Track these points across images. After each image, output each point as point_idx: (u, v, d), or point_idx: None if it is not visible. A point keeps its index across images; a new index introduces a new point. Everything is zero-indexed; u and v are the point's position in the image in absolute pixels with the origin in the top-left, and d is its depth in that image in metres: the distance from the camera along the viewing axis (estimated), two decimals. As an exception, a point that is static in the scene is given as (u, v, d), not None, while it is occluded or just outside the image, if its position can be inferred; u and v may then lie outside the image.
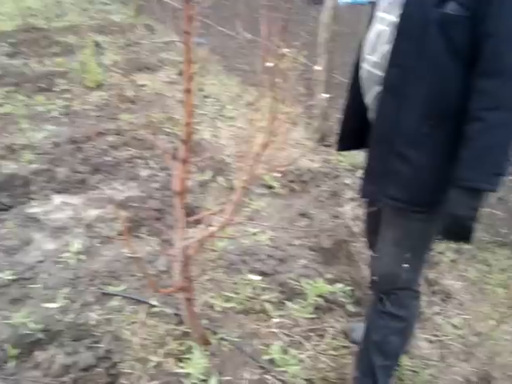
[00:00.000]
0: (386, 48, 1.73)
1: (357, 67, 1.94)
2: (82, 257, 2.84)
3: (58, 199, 3.36)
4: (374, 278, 2.00)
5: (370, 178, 1.88)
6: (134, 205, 3.32)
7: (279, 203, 3.59)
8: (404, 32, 1.67)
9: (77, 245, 2.89)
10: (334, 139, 4.51)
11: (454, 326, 2.68)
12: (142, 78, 5.85)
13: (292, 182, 3.90)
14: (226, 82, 6.00)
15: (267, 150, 2.00)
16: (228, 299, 2.60)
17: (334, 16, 4.03)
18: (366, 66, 1.84)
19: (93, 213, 3.22)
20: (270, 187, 3.79)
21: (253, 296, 2.63)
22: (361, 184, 1.97)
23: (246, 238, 3.13)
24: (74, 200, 3.36)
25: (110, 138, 4.28)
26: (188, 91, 1.84)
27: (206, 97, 5.45)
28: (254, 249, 3.00)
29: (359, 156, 4.25)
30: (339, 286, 2.74)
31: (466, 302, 2.88)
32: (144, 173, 3.78)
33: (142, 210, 3.29)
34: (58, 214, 3.20)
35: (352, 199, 3.65)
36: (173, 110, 4.96)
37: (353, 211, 3.51)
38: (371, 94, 1.84)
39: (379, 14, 1.82)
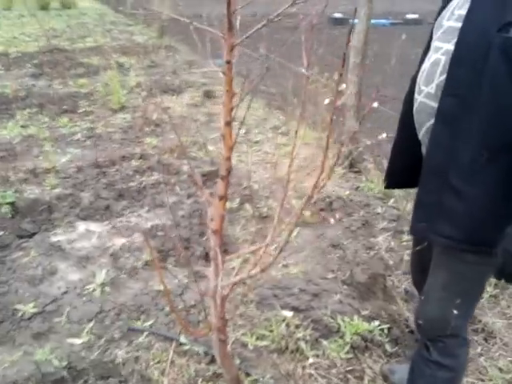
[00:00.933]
0: (442, 78, 1.62)
1: (409, 100, 1.83)
2: (108, 289, 2.73)
3: (82, 226, 3.27)
4: (420, 322, 1.86)
5: (422, 213, 1.75)
6: (161, 233, 3.21)
7: (310, 233, 3.46)
8: (460, 59, 1.56)
9: (102, 276, 2.79)
10: (363, 165, 4.39)
11: (501, 370, 2.51)
12: (166, 100, 5.80)
13: (322, 210, 3.77)
14: (250, 104, 5.92)
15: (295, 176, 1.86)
16: (261, 337, 2.46)
17: (365, 40, 3.94)
18: (420, 98, 1.73)
19: (118, 241, 3.12)
20: (301, 215, 3.65)
21: (287, 334, 2.49)
22: (411, 220, 1.84)
23: (277, 270, 3.00)
24: (99, 227, 3.27)
25: (135, 163, 4.20)
26: (228, 124, 1.73)
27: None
28: (285, 282, 2.86)
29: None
30: (376, 323, 2.60)
31: (511, 342, 2.71)
32: (170, 199, 3.68)
33: (168, 239, 3.18)
34: (82, 243, 3.10)
35: (385, 229, 3.50)
36: (198, 133, 4.88)
37: (386, 242, 3.37)
38: (424, 128, 1.73)
39: (435, 43, 1.72)
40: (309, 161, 4.54)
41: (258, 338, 2.45)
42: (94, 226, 3.28)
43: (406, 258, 3.25)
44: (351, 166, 4.33)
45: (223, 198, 1.86)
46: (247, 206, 3.68)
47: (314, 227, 3.57)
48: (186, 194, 3.78)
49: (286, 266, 3.04)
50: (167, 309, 2.59)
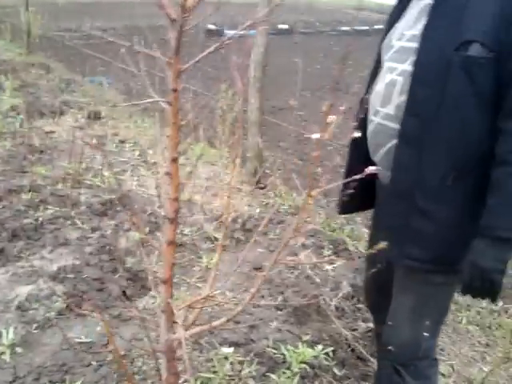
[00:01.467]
0: (402, 98, 1.58)
1: (360, 122, 1.77)
2: (19, 349, 2.37)
3: (-25, 277, 2.85)
4: (390, 347, 1.81)
5: (384, 236, 1.70)
6: (70, 276, 2.89)
7: (228, 257, 3.31)
8: (421, 79, 1.53)
9: (10, 335, 2.42)
10: (269, 180, 4.34)
11: (442, 375, 2.55)
12: (47, 124, 5.35)
13: (235, 231, 3.65)
14: (140, 123, 5.65)
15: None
16: (206, 381, 2.27)
17: (265, 53, 3.89)
18: (377, 120, 1.68)
19: (22, 290, 2.75)
20: (214, 239, 3.51)
21: (232, 373, 2.33)
22: (370, 242, 1.79)
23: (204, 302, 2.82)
24: (-4, 276, 2.87)
25: (25, 196, 3.77)
26: (174, 160, 1.54)
27: (122, 142, 5.08)
28: (217, 315, 2.69)
29: (299, 198, 4.12)
30: (319, 347, 2.52)
31: (446, 345, 2.78)
32: (73, 235, 3.34)
33: (79, 281, 2.87)
34: (-22, 297, 2.69)
35: (304, 246, 3.46)
36: (88, 158, 4.53)
37: (309, 259, 3.32)
38: (383, 150, 1.68)
39: (387, 64, 1.68)
40: (212, 181, 4.41)
41: (203, 383, 2.26)
42: (-11, 276, 2.87)
43: (331, 273, 3.24)
44: (257, 182, 4.26)
45: (172, 243, 1.66)
46: (157, 234, 3.45)
47: (231, 250, 3.43)
48: (89, 227, 3.46)
49: (212, 296, 2.86)
50: (94, 363, 2.31)
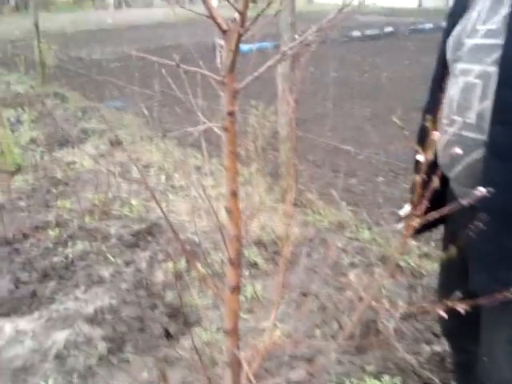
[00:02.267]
0: (484, 105, 1.36)
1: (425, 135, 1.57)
2: (63, 404, 2.18)
3: (7, 326, 2.66)
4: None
5: (482, 264, 1.47)
6: (108, 317, 2.70)
7: (272, 283, 3.09)
8: (509, 80, 1.31)
9: (51, 388, 2.23)
10: (304, 197, 4.12)
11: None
12: (67, 154, 5.21)
13: (276, 253, 3.44)
14: (162, 146, 5.48)
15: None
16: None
17: (292, 65, 3.70)
18: (451, 130, 1.46)
19: (59, 337, 2.56)
20: (254, 264, 3.30)
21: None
22: (445, 267, 1.57)
23: (253, 333, 2.60)
24: (30, 323, 2.68)
25: (52, 232, 3.61)
26: (234, 194, 1.34)
27: (146, 167, 4.91)
28: (271, 350, 2.47)
29: (340, 212, 3.90)
30: (386, 378, 2.29)
31: None
32: (106, 271, 3.15)
33: (118, 321, 2.67)
34: (14, 349, 2.50)
35: (352, 265, 3.24)
36: (113, 187, 4.36)
37: (358, 279, 3.10)
38: (461, 165, 1.46)
39: (459, 65, 1.46)
40: (245, 201, 4.19)
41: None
42: (23, 323, 2.68)
43: (385, 292, 3.00)
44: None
45: (236, 289, 1.44)
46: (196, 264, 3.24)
47: (272, 275, 3.22)
48: (122, 261, 3.27)
49: (263, 330, 2.65)
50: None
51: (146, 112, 5.84)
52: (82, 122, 6.25)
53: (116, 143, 5.35)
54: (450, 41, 1.54)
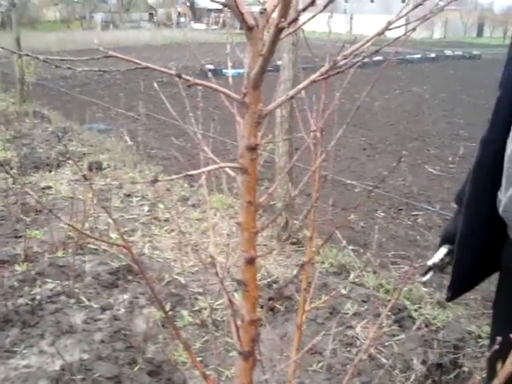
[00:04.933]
0: None
1: (485, 170, 1.25)
2: None
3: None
4: None
5: None
6: (78, 377, 2.28)
7: (270, 335, 2.71)
8: None
9: None
10: (302, 235, 3.75)
11: None
12: (43, 178, 4.79)
13: (272, 299, 3.06)
14: (146, 172, 5.10)
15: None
16: None
17: (293, 87, 3.36)
18: None
19: (16, 402, 2.14)
20: (247, 311, 2.91)
21: None
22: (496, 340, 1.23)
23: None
24: (-17, 382, 2.25)
25: (19, 268, 3.19)
26: (251, 262, 0.95)
27: (128, 196, 4.51)
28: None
29: (341, 252, 3.54)
30: None
31: None
32: (78, 318, 2.73)
33: (90, 382, 2.26)
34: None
35: (358, 315, 2.87)
36: (91, 217, 3.95)
37: (365, 332, 2.73)
38: None
39: None
40: (235, 237, 3.82)
41: None
42: (-25, 382, 2.25)
43: (397, 349, 2.63)
44: (288, 237, 3.68)
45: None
46: (182, 310, 2.86)
47: (272, 325, 2.84)
48: (97, 305, 2.86)
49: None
50: None
51: (129, 137, 5.48)
52: (61, 144, 5.84)
53: (95, 168, 4.95)
54: None
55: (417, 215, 4.62)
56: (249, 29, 0.79)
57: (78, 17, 46.59)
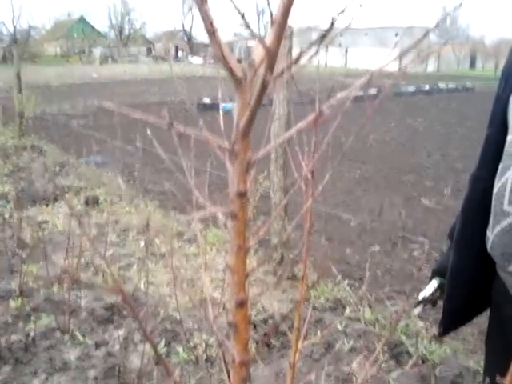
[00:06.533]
0: None
1: (478, 211, 1.28)
2: None
3: None
4: None
5: None
6: (71, 415, 2.26)
7: (266, 372, 2.69)
8: None
9: None
10: (297, 270, 3.76)
11: None
12: (39, 212, 4.81)
13: (266, 335, 3.04)
14: (142, 207, 5.12)
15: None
16: None
17: (287, 125, 3.42)
18: None
19: None
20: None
21: None
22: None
23: None
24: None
25: (14, 303, 3.18)
26: (241, 305, 0.96)
27: (124, 231, 4.52)
28: None
29: (337, 287, 3.54)
30: None
31: None
32: (72, 354, 2.72)
33: (82, 421, 2.23)
34: None
35: (354, 351, 2.85)
36: (87, 252, 3.96)
37: (361, 368, 2.71)
38: None
39: None
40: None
41: None
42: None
43: (394, 387, 2.61)
44: (283, 272, 3.68)
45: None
46: (177, 347, 2.84)
47: (267, 361, 2.81)
48: (91, 341, 2.85)
49: None
50: None
51: (126, 172, 5.51)
52: (59, 178, 5.88)
53: (92, 203, 4.97)
54: None
55: (412, 249, 4.63)
56: (237, 81, 0.82)
57: (78, 51, 47.37)
